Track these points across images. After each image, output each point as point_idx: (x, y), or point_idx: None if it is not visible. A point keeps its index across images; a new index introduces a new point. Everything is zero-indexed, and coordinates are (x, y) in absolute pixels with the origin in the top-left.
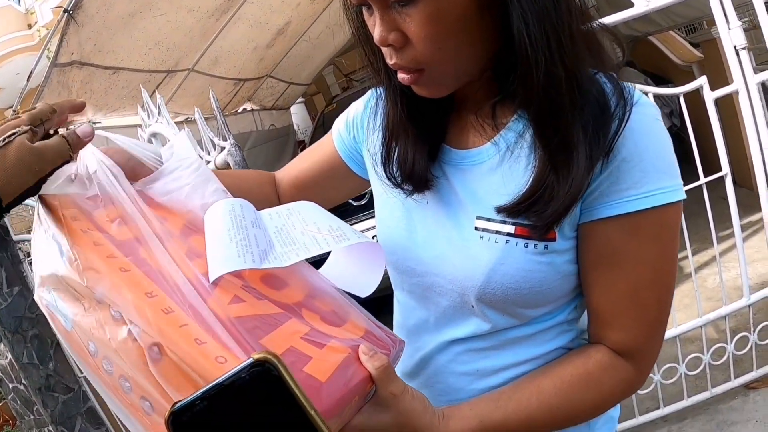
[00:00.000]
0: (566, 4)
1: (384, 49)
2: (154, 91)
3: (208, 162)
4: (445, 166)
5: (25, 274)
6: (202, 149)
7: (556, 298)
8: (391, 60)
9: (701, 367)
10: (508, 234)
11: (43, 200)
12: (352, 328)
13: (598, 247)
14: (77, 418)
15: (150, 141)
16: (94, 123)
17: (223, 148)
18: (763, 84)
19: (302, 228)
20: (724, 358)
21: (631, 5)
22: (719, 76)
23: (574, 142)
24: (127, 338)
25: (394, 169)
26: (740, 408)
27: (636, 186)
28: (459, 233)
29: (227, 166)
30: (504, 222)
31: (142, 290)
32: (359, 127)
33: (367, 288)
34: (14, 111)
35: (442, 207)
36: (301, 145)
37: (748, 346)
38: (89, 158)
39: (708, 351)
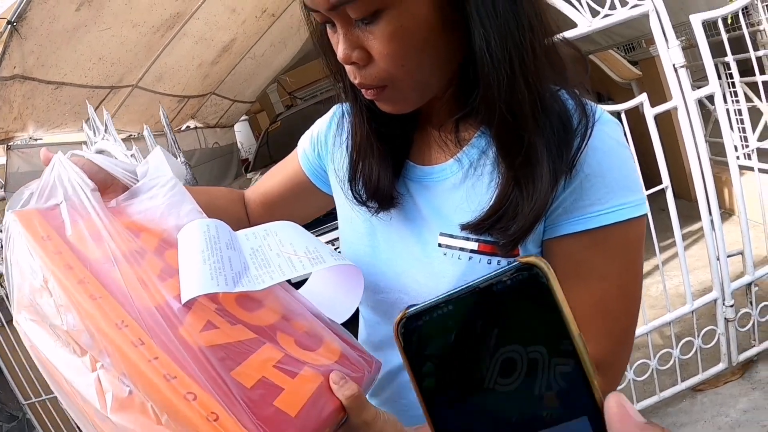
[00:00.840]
0: (528, 21)
1: (348, 68)
2: (98, 107)
3: None
4: (409, 183)
5: None
6: None
7: None
8: (354, 79)
9: (648, 373)
10: (472, 251)
11: (15, 217)
12: (326, 352)
13: (563, 263)
14: None
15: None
16: (36, 139)
17: None
18: (699, 100)
19: (278, 249)
20: (671, 362)
21: (575, 26)
22: (657, 92)
23: (537, 158)
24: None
25: (360, 186)
26: (688, 410)
27: (600, 202)
28: (422, 250)
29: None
30: (467, 239)
31: (113, 320)
32: (323, 144)
33: (345, 312)
34: None
35: (406, 224)
36: (245, 164)
37: (693, 350)
38: (61, 171)
39: (655, 357)
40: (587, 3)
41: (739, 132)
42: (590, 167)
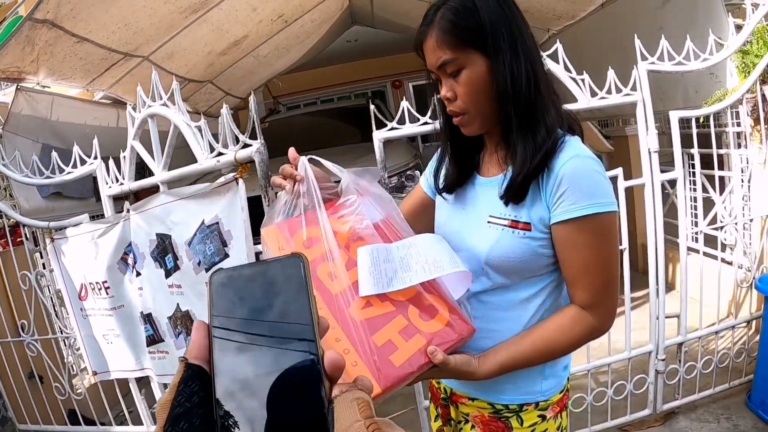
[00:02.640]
0: (528, 93)
1: (446, 102)
2: (107, 71)
3: (221, 154)
4: (476, 186)
5: None
6: (217, 142)
7: (535, 269)
8: (449, 108)
9: (583, 407)
10: (504, 225)
11: (263, 233)
12: (438, 320)
13: (562, 239)
14: None
15: (145, 121)
16: (43, 87)
17: (246, 145)
18: (663, 182)
19: (416, 258)
20: (604, 401)
21: (575, 101)
22: (624, 168)
23: (519, 164)
24: None
25: (441, 179)
26: None
27: (576, 203)
28: (478, 224)
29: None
30: (504, 218)
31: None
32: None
33: (459, 292)
34: None
35: (470, 209)
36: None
37: (625, 393)
38: (308, 172)
39: (591, 393)
40: (589, 84)
41: (692, 217)
42: (569, 183)
